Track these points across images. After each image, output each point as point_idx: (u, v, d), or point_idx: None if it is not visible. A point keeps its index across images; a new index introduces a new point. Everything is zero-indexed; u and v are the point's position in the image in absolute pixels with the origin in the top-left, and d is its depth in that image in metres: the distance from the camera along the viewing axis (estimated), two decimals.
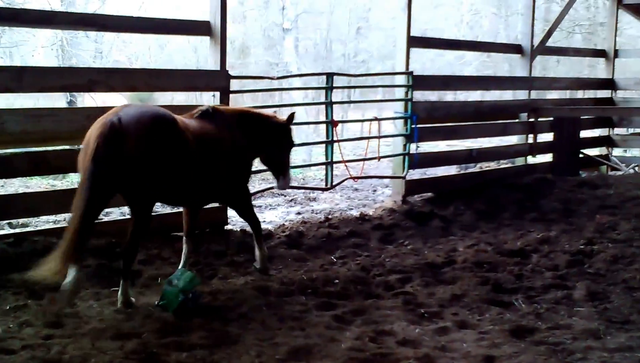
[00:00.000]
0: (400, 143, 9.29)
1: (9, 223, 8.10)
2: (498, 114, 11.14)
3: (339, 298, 5.43)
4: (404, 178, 9.30)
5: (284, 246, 7.07)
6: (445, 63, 27.37)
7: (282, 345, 4.33)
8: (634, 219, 7.91)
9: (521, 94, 11.55)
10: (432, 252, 6.94)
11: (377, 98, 21.96)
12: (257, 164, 6.63)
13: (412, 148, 9.25)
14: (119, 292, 4.98)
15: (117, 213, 8.57)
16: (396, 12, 9.54)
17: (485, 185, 9.98)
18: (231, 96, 7.39)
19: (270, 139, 6.04)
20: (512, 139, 12.00)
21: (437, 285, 5.82)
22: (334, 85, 8.40)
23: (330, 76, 8.42)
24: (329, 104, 8.40)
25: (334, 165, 8.63)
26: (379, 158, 9.17)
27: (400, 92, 9.32)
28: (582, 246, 6.93)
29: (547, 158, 11.82)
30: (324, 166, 8.74)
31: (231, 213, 7.86)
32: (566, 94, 20.00)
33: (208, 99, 7.46)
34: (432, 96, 21.10)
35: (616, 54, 13.38)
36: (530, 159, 11.55)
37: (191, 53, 25.23)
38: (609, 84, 13.34)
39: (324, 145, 8.63)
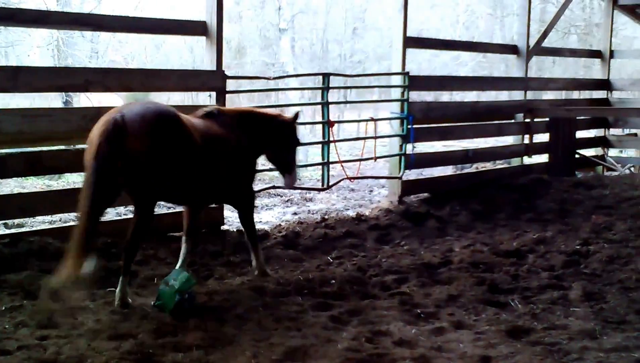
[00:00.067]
0: (396, 144, 9.30)
1: (4, 224, 8.08)
2: (494, 114, 11.15)
3: (335, 298, 5.42)
4: (400, 178, 9.30)
5: (280, 247, 7.06)
6: (441, 64, 27.41)
7: (279, 345, 4.32)
8: (630, 219, 7.94)
9: (517, 95, 11.57)
10: (428, 252, 6.94)
11: (373, 98, 22.02)
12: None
13: (409, 148, 9.25)
14: (117, 289, 4.97)
15: (113, 213, 8.56)
16: (392, 12, 9.56)
17: (482, 186, 9.99)
18: (227, 96, 7.39)
19: (276, 138, 6.03)
20: (508, 140, 12.03)
21: (434, 286, 5.82)
22: (330, 85, 8.40)
23: (326, 76, 8.41)
24: (325, 105, 8.39)
25: (330, 165, 8.63)
26: (375, 158, 9.18)
27: (396, 93, 9.32)
28: (578, 247, 6.94)
29: (543, 158, 11.85)
30: (320, 167, 8.74)
31: (227, 213, 7.86)
32: (562, 95, 20.06)
33: (204, 99, 7.45)
34: (428, 96, 21.14)
35: (612, 54, 13.41)
36: (526, 160, 11.58)
37: (187, 53, 25.22)
38: (605, 84, 13.37)
39: (320, 145, 8.63)
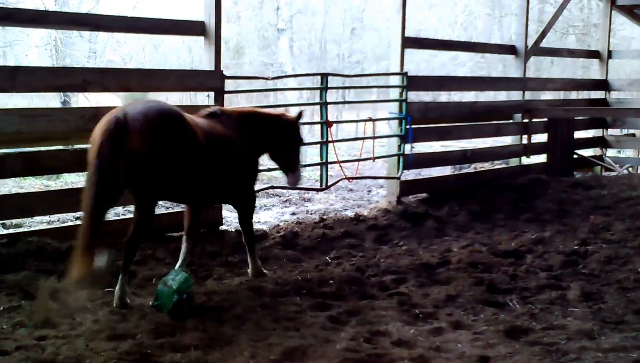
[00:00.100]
0: (394, 144, 9.30)
1: (2, 224, 8.06)
2: (492, 114, 11.16)
3: (333, 298, 5.42)
4: (398, 178, 9.30)
5: (278, 247, 7.06)
6: (439, 64, 27.44)
7: (277, 345, 4.32)
8: (628, 220, 7.94)
9: (515, 95, 11.58)
10: (426, 253, 6.94)
11: (371, 99, 22.03)
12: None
13: (407, 148, 9.26)
14: (117, 287, 4.97)
15: (111, 213, 8.53)
16: (390, 12, 9.55)
17: (480, 186, 9.99)
18: (226, 96, 7.39)
19: (280, 137, 6.04)
20: (507, 140, 12.03)
21: (432, 286, 5.82)
22: (328, 85, 8.40)
23: (324, 76, 8.41)
24: (323, 105, 8.39)
25: (329, 166, 8.63)
26: (374, 158, 9.18)
27: (394, 93, 9.32)
28: (576, 247, 6.95)
29: (542, 158, 11.86)
30: (318, 167, 8.74)
31: (226, 213, 7.85)
32: (560, 95, 20.07)
33: (202, 99, 7.45)
34: (426, 96, 21.15)
35: (610, 55, 13.42)
36: (525, 160, 11.58)
37: (186, 53, 25.20)
38: (603, 85, 13.38)
39: (318, 145, 8.63)
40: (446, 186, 9.97)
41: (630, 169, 12.65)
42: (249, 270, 5.98)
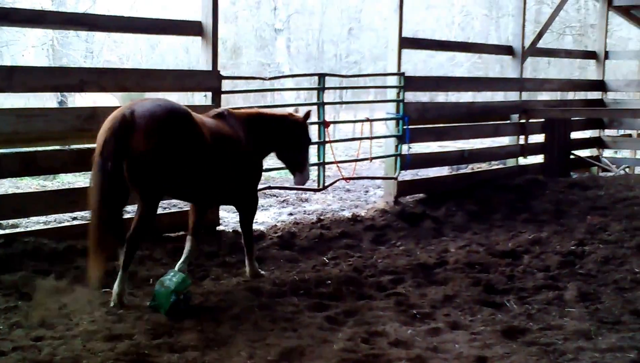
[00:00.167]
0: (392, 144, 9.30)
1: None
2: (489, 115, 11.17)
3: (331, 299, 5.42)
4: (396, 178, 9.31)
5: (276, 247, 7.05)
6: (436, 64, 27.48)
7: (274, 346, 4.32)
8: (625, 220, 7.95)
9: (512, 96, 11.59)
10: (424, 253, 6.95)
11: (369, 99, 22.05)
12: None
13: (404, 148, 9.26)
14: (115, 284, 4.96)
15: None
16: (388, 13, 9.56)
17: (477, 186, 10.01)
18: (223, 96, 7.38)
19: (288, 138, 6.06)
20: (504, 141, 12.04)
21: (429, 286, 5.82)
22: (325, 86, 8.40)
23: (322, 76, 8.41)
24: (320, 105, 8.39)
25: (326, 166, 8.63)
26: (371, 158, 9.18)
27: (392, 93, 9.32)
28: (573, 247, 6.96)
29: (539, 159, 11.87)
30: (316, 167, 8.73)
31: (223, 214, 7.84)
32: (557, 96, 20.10)
33: (200, 99, 7.45)
34: (423, 97, 21.17)
35: (606, 55, 13.45)
36: (522, 160, 11.59)
37: (183, 53, 25.21)
38: (600, 85, 13.41)
39: (315, 146, 8.62)
40: (443, 186, 9.98)
41: (627, 169, 12.68)
42: (246, 271, 5.98)
